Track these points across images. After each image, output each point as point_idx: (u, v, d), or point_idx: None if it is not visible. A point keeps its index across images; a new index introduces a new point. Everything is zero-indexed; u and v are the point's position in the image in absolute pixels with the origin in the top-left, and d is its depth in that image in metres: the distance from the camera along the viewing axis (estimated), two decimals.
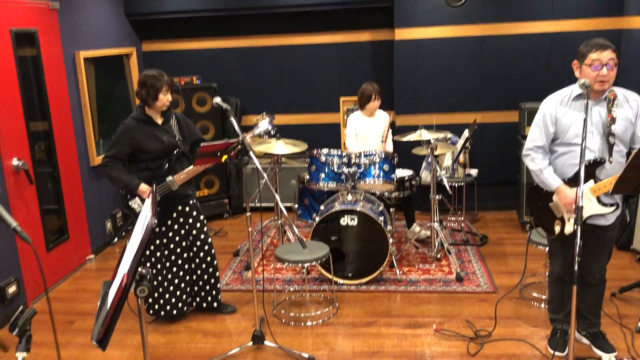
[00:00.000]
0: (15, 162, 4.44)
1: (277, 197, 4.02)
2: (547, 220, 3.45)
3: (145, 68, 6.68)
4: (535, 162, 3.39)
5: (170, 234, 4.06)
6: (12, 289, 4.38)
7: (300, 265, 4.44)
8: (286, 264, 4.19)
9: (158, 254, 4.04)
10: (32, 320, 2.14)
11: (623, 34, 5.78)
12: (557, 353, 3.58)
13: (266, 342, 3.78)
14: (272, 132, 4.37)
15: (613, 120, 3.21)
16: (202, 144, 3.64)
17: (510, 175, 6.12)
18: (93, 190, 5.66)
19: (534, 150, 3.41)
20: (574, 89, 3.31)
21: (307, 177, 4.95)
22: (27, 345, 2.12)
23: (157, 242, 4.03)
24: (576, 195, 2.93)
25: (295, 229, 3.90)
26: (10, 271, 4.40)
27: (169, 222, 4.05)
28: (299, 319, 4.23)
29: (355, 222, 4.62)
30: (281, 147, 4.97)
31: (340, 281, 4.70)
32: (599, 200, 3.25)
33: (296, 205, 5.31)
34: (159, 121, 4.00)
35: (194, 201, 4.16)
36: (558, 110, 3.32)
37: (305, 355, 3.68)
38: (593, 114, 3.25)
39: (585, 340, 3.68)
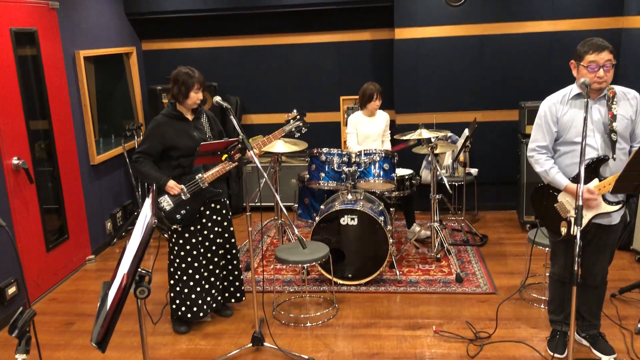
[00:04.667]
0: (15, 161, 4.44)
1: (277, 197, 4.02)
2: (553, 221, 3.43)
3: (146, 67, 6.70)
4: (539, 163, 3.39)
5: (205, 232, 4.05)
6: (11, 290, 4.38)
7: (300, 265, 4.44)
8: (286, 264, 4.18)
9: (194, 252, 4.01)
10: (32, 322, 2.14)
11: (623, 33, 5.77)
12: (556, 355, 3.57)
13: (266, 344, 3.77)
14: (303, 130, 4.35)
15: (614, 118, 3.22)
16: (202, 143, 3.63)
17: (511, 175, 6.12)
18: (93, 190, 5.65)
19: (537, 152, 3.40)
20: (573, 88, 3.33)
21: (307, 176, 4.94)
22: (27, 347, 2.11)
23: (193, 240, 3.99)
24: (576, 195, 2.92)
25: (295, 229, 3.89)
26: (10, 272, 4.39)
27: (204, 220, 4.04)
28: (298, 320, 4.23)
29: (355, 222, 4.62)
30: (281, 146, 4.96)
31: (340, 282, 4.69)
32: (604, 198, 3.24)
33: (296, 205, 5.30)
34: (190, 118, 3.98)
35: (225, 199, 4.16)
36: (558, 109, 3.33)
37: (305, 356, 3.67)
38: (593, 112, 3.26)
39: (584, 342, 3.68)
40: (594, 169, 3.24)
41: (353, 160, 4.83)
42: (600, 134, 3.26)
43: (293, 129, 4.29)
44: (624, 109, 3.25)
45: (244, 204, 6.65)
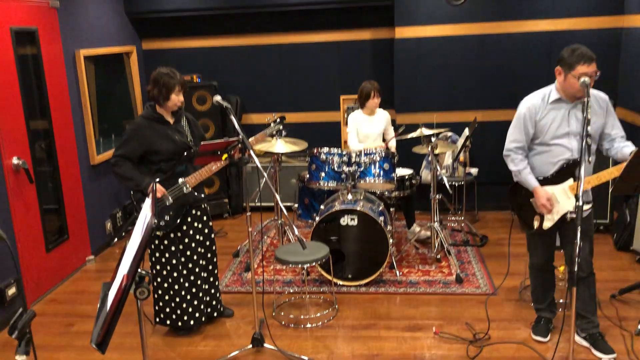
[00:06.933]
0: (15, 161, 4.43)
1: (277, 197, 4.01)
2: (527, 215, 3.63)
3: (146, 66, 6.70)
4: (514, 162, 3.58)
5: (186, 240, 3.91)
6: (11, 291, 4.37)
7: (300, 266, 4.44)
8: (286, 265, 4.18)
9: (174, 261, 3.88)
10: (32, 323, 2.13)
11: (623, 32, 5.77)
12: (539, 338, 3.77)
13: (266, 345, 3.77)
14: (283, 133, 4.37)
15: (588, 122, 3.32)
16: (202, 143, 3.60)
17: (511, 175, 6.03)
18: (93, 190, 5.65)
19: (514, 152, 3.59)
20: (552, 91, 3.48)
21: (307, 176, 4.94)
22: (27, 348, 2.11)
23: (173, 248, 3.87)
24: (576, 196, 3.01)
25: (295, 229, 3.88)
26: (9, 273, 4.39)
27: (184, 228, 3.90)
28: (298, 321, 4.22)
29: (355, 222, 4.61)
30: (281, 145, 4.95)
31: (340, 282, 4.69)
32: (576, 197, 3.37)
33: (296, 205, 5.30)
34: (171, 120, 3.86)
35: (205, 205, 4.05)
36: (537, 111, 3.48)
37: (305, 358, 3.67)
38: (570, 117, 3.43)
39: (584, 343, 3.69)
40: (570, 170, 3.44)
41: (353, 160, 4.83)
42: (575, 137, 3.43)
43: (274, 132, 4.28)
44: (596, 114, 3.41)
45: (244, 204, 6.65)
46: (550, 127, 3.44)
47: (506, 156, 3.62)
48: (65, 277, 5.13)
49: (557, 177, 3.48)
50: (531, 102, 3.50)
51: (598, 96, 3.46)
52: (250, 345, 3.77)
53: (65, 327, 4.29)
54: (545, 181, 3.52)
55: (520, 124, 3.52)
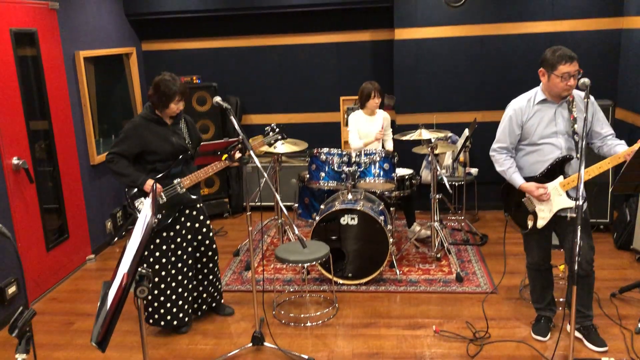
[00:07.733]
0: (15, 161, 4.44)
1: (278, 196, 4.02)
2: (521, 215, 3.69)
3: (146, 68, 6.71)
4: (499, 163, 3.68)
5: (178, 240, 3.91)
6: (12, 290, 4.38)
7: (300, 265, 4.44)
8: (286, 263, 4.18)
9: (163, 260, 3.87)
10: (32, 321, 2.14)
11: (623, 34, 5.78)
12: (539, 338, 3.77)
13: (266, 344, 3.77)
14: (281, 143, 4.41)
15: (575, 120, 3.49)
16: (202, 143, 3.61)
17: None
18: (93, 189, 5.66)
19: (497, 152, 3.69)
20: (538, 93, 3.57)
21: (308, 176, 4.95)
22: (27, 347, 2.11)
23: (164, 247, 3.86)
24: (576, 197, 3.03)
25: (296, 229, 3.88)
26: (10, 271, 4.39)
27: (177, 227, 3.90)
28: (298, 319, 4.23)
29: (355, 222, 4.62)
30: (281, 146, 4.96)
31: (340, 281, 4.69)
32: (567, 194, 3.51)
33: (296, 205, 5.30)
34: (169, 122, 3.88)
35: (201, 205, 4.06)
36: (524, 113, 3.56)
37: (305, 356, 3.67)
38: (557, 116, 3.50)
39: (577, 334, 3.71)
40: (559, 167, 3.51)
41: (353, 160, 4.84)
42: (563, 136, 3.51)
43: (272, 141, 4.31)
44: (581, 112, 3.46)
45: (245, 204, 6.65)
46: (538, 127, 3.52)
47: (491, 156, 3.73)
48: (65, 276, 5.13)
49: (547, 175, 3.54)
50: (517, 104, 3.60)
51: (583, 95, 3.50)
52: (251, 344, 3.77)
53: (66, 325, 4.29)
54: (535, 180, 3.57)
55: (506, 126, 3.62)
